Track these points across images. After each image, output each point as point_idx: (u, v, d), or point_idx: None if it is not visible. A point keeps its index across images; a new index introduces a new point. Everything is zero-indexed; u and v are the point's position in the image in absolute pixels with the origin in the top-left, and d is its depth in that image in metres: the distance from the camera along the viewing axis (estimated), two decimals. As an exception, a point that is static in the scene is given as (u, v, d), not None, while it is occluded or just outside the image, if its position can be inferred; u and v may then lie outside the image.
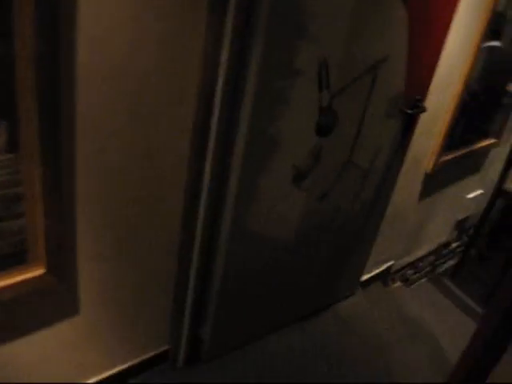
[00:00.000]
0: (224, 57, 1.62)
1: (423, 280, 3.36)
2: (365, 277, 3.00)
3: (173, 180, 1.74)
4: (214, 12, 1.50)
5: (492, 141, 3.14)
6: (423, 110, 2.20)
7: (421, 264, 3.40)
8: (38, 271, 1.50)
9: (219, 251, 2.01)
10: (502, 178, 3.08)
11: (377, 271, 3.07)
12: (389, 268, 3.14)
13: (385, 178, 2.42)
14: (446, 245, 3.62)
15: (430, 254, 3.48)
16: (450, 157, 2.82)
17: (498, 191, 3.12)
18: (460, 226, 3.61)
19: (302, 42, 1.70)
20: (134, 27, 1.36)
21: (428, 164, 2.75)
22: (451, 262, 3.59)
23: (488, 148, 3.17)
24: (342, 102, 1.96)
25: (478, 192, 3.45)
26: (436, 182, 2.94)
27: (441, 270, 3.51)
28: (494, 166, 3.39)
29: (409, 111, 2.16)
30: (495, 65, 2.82)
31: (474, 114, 2.88)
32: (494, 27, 2.53)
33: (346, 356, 2.57)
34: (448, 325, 2.99)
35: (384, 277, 3.15)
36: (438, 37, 2.15)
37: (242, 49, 1.62)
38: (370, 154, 2.26)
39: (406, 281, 3.27)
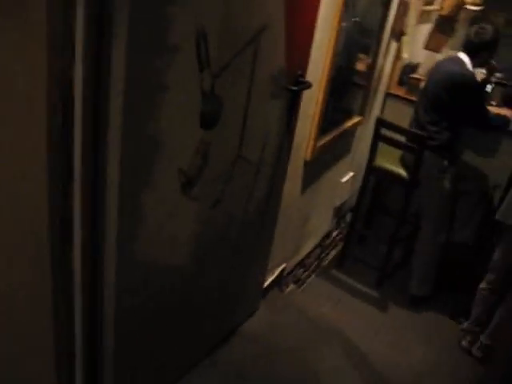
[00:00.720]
0: (79, 35, 1.21)
1: (313, 276, 3.17)
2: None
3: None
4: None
5: (358, 119, 3.05)
6: (308, 85, 1.96)
7: (308, 260, 3.21)
8: None
9: (106, 292, 1.60)
10: (371, 155, 3.00)
11: (272, 278, 2.80)
12: (282, 271, 2.89)
13: (275, 169, 2.14)
14: (328, 235, 3.48)
15: (315, 248, 3.31)
16: (326, 140, 2.65)
17: (369, 169, 3.04)
18: (338, 212, 3.50)
19: (175, 9, 1.35)
20: None
21: (306, 151, 2.53)
22: (334, 252, 3.45)
23: (355, 127, 3.08)
24: (224, 84, 1.64)
25: (351, 174, 3.36)
26: (314, 169, 2.75)
27: (326, 261, 3.35)
28: (361, 146, 3.32)
29: (293, 88, 1.91)
30: (347, 43, 2.72)
31: (341, 93, 2.75)
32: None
33: (267, 378, 2.34)
34: (347, 314, 2.91)
35: (279, 282, 2.89)
36: (313, 7, 1.92)
37: (101, 22, 1.22)
38: (259, 143, 1.96)
39: (299, 281, 3.05)
